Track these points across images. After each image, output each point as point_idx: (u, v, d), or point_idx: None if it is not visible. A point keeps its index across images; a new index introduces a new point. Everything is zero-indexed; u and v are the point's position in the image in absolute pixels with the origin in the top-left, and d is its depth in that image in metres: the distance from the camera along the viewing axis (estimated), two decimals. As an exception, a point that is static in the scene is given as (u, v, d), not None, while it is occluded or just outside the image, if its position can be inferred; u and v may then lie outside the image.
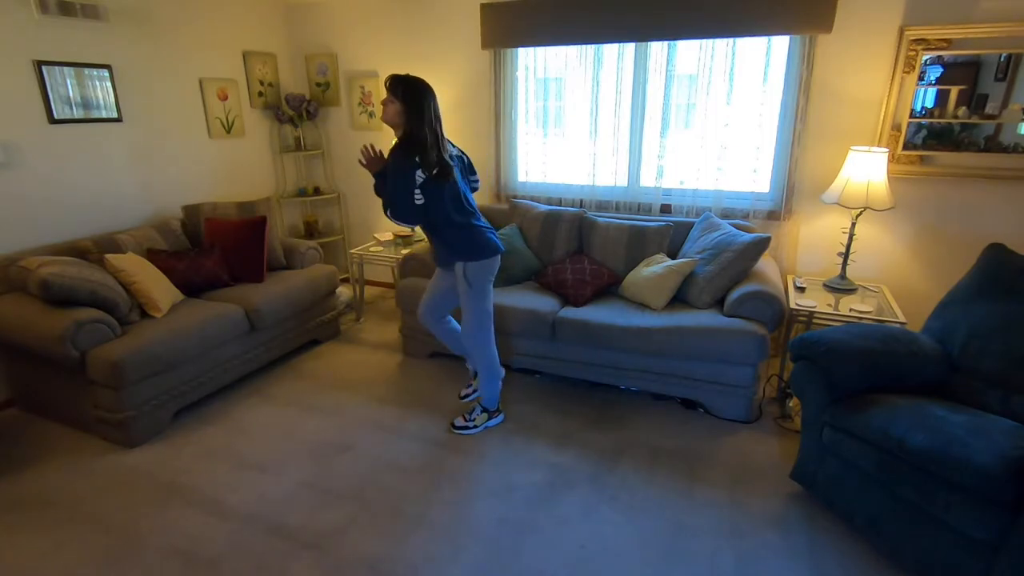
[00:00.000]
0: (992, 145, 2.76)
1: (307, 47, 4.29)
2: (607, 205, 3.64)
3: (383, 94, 2.33)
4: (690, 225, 3.24)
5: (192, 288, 3.11)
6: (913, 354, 2.09)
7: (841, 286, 2.98)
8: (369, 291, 4.53)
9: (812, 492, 2.19)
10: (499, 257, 2.55)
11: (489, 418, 2.73)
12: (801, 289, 3.03)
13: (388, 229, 4.15)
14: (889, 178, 2.78)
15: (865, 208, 2.74)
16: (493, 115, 3.78)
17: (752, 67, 3.14)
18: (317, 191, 4.49)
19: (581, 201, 3.70)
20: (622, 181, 3.62)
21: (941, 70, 2.77)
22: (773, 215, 3.25)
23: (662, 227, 3.20)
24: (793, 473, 2.25)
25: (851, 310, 2.72)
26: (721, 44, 3.13)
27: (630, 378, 2.89)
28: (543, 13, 3.40)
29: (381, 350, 3.57)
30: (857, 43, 2.88)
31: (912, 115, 2.86)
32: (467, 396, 2.76)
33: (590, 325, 2.81)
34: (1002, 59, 2.65)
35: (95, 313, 2.54)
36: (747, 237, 2.84)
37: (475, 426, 2.69)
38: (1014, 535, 1.55)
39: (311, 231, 4.50)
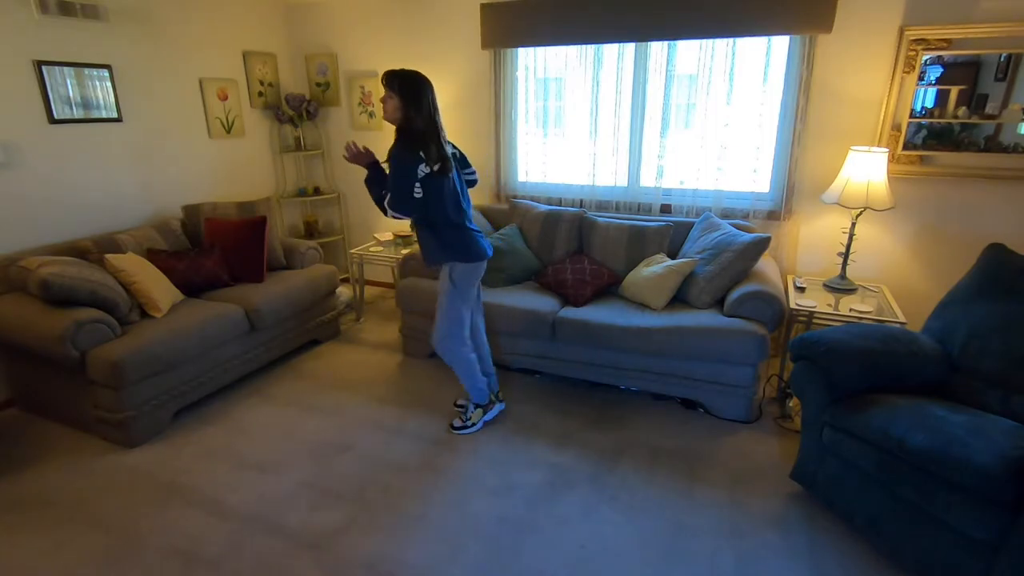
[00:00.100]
0: (992, 145, 2.76)
1: (307, 47, 4.29)
2: (607, 205, 3.64)
3: (383, 93, 2.32)
4: (690, 225, 3.24)
5: (192, 288, 3.11)
6: (913, 354, 2.09)
7: (841, 286, 2.98)
8: (369, 291, 4.53)
9: (812, 492, 2.19)
10: (486, 263, 2.56)
11: (484, 412, 2.72)
12: (801, 289, 3.03)
13: (388, 229, 4.15)
14: (889, 178, 2.78)
15: (865, 208, 2.74)
16: (493, 115, 3.78)
17: (752, 67, 3.14)
18: (317, 191, 4.49)
19: (581, 201, 3.70)
20: (622, 181, 3.62)
21: (941, 70, 2.77)
22: (773, 215, 3.25)
23: (662, 227, 3.20)
24: (793, 473, 2.25)
25: (851, 310, 2.72)
26: (721, 44, 3.13)
27: (630, 378, 2.89)
28: (543, 13, 3.40)
29: (381, 350, 3.57)
30: (857, 43, 2.88)
31: (912, 115, 2.86)
32: (463, 404, 2.79)
33: (590, 325, 2.81)
34: (1002, 59, 2.65)
35: (95, 313, 2.54)
36: (747, 237, 2.84)
37: (473, 423, 2.68)
38: (1014, 535, 1.55)
39: (311, 231, 4.50)
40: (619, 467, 2.44)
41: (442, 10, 3.76)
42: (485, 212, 3.75)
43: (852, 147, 2.83)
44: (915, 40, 2.75)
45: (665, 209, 3.50)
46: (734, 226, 3.08)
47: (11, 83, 2.78)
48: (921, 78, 2.80)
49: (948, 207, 2.93)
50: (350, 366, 3.37)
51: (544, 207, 3.51)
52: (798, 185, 3.18)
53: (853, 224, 2.90)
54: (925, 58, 2.76)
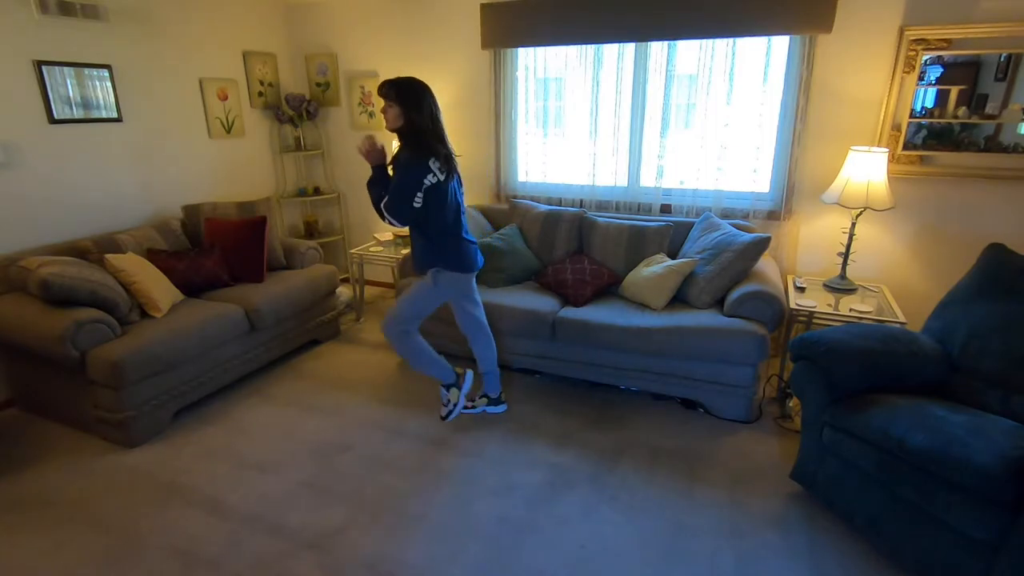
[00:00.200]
0: (992, 145, 2.76)
1: (307, 47, 4.29)
2: (607, 205, 3.64)
3: (382, 101, 2.32)
4: (690, 225, 3.24)
5: (192, 288, 3.11)
6: (913, 354, 2.09)
7: (841, 286, 2.98)
8: (369, 291, 4.53)
9: (812, 492, 2.19)
10: (474, 275, 2.59)
11: (459, 387, 2.71)
12: (801, 289, 3.03)
13: (388, 229, 4.15)
14: (889, 178, 2.78)
15: (865, 208, 2.74)
16: (493, 115, 3.78)
17: (752, 67, 3.14)
18: (317, 191, 4.49)
19: (581, 201, 3.70)
20: (622, 181, 3.62)
21: (941, 70, 2.77)
22: (773, 215, 3.25)
23: (662, 227, 3.20)
24: (793, 473, 2.25)
25: (851, 310, 2.72)
26: (721, 44, 3.13)
27: (630, 378, 2.89)
28: (543, 13, 3.40)
29: (381, 350, 3.57)
30: (857, 43, 2.88)
31: (912, 115, 2.86)
32: (470, 408, 2.80)
33: (590, 325, 2.81)
34: (1002, 59, 2.65)
35: (95, 313, 2.54)
36: (747, 237, 2.84)
37: (454, 403, 2.69)
38: (1014, 535, 1.55)
39: (311, 231, 4.50)
40: (619, 467, 2.44)
41: (442, 10, 3.76)
42: (485, 212, 3.75)
43: (852, 147, 2.83)
44: (915, 40, 2.75)
45: (665, 209, 3.50)
46: (734, 226, 3.08)
47: (11, 83, 2.78)
48: (921, 78, 2.80)
49: (948, 207, 2.93)
50: (350, 366, 3.37)
51: (544, 207, 3.51)
52: (798, 185, 3.18)
53: (853, 224, 2.90)
54: (925, 58, 2.76)
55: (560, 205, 3.66)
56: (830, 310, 2.77)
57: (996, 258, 2.22)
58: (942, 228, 2.97)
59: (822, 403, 2.08)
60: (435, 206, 2.34)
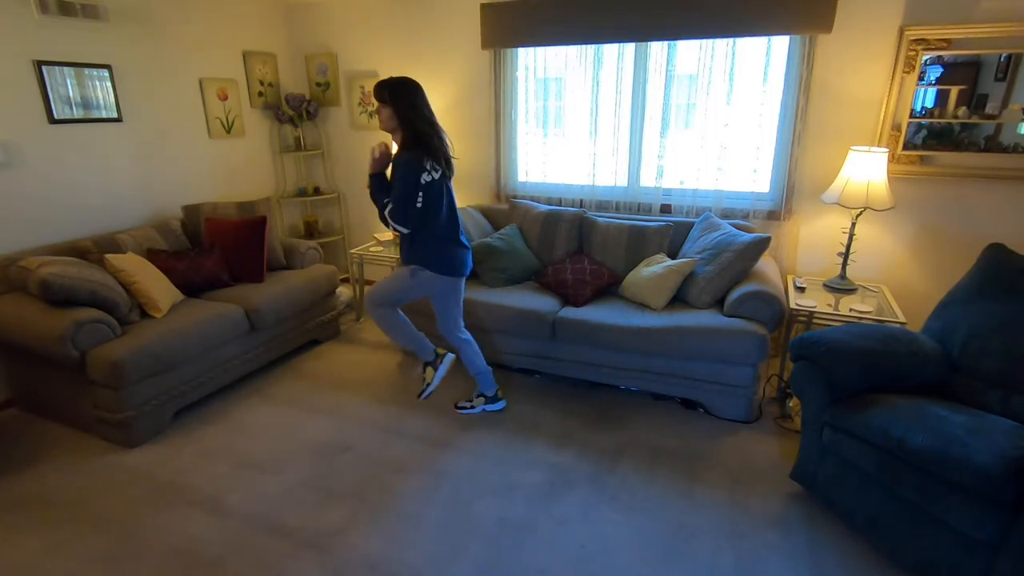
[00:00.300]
0: (992, 145, 2.76)
1: (307, 47, 4.29)
2: (607, 205, 3.64)
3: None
4: (690, 225, 3.24)
5: (192, 288, 3.11)
6: (913, 354, 2.09)
7: (841, 286, 2.98)
8: (369, 291, 4.52)
9: (812, 492, 2.19)
10: (462, 282, 2.59)
11: (435, 368, 2.74)
12: (801, 289, 3.03)
13: (388, 229, 4.14)
14: (889, 178, 2.78)
15: (865, 208, 2.74)
16: (493, 115, 3.78)
17: (752, 67, 3.14)
18: (317, 191, 4.49)
19: (581, 201, 3.70)
20: (622, 181, 3.62)
21: (941, 70, 2.77)
22: (773, 215, 3.25)
23: (662, 227, 3.20)
24: (793, 473, 2.25)
25: (851, 310, 2.72)
26: (721, 44, 3.13)
27: (630, 378, 2.89)
28: (543, 13, 3.40)
29: (381, 350, 3.57)
30: (857, 43, 2.88)
31: (912, 115, 2.86)
32: (469, 409, 2.82)
33: (590, 325, 2.81)
34: (1002, 59, 2.65)
35: (95, 313, 2.54)
36: (747, 237, 2.84)
37: (428, 383, 2.73)
38: (1014, 535, 1.55)
39: (311, 231, 4.50)
40: (619, 467, 2.44)
41: (442, 10, 3.76)
42: (485, 212, 3.75)
43: (852, 147, 2.83)
44: (915, 40, 2.75)
45: (665, 209, 3.50)
46: (734, 226, 3.08)
47: (11, 83, 2.78)
48: (921, 78, 2.80)
49: (948, 207, 2.93)
50: (350, 366, 3.37)
51: (544, 207, 3.51)
52: (798, 185, 3.18)
53: (853, 224, 2.90)
54: (925, 58, 2.76)
55: (560, 205, 3.66)
56: (830, 310, 2.77)
57: (996, 258, 2.22)
58: (942, 228, 2.97)
59: (822, 403, 2.08)
60: (434, 205, 2.34)
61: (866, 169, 2.73)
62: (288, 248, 3.65)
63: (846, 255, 2.98)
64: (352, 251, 3.94)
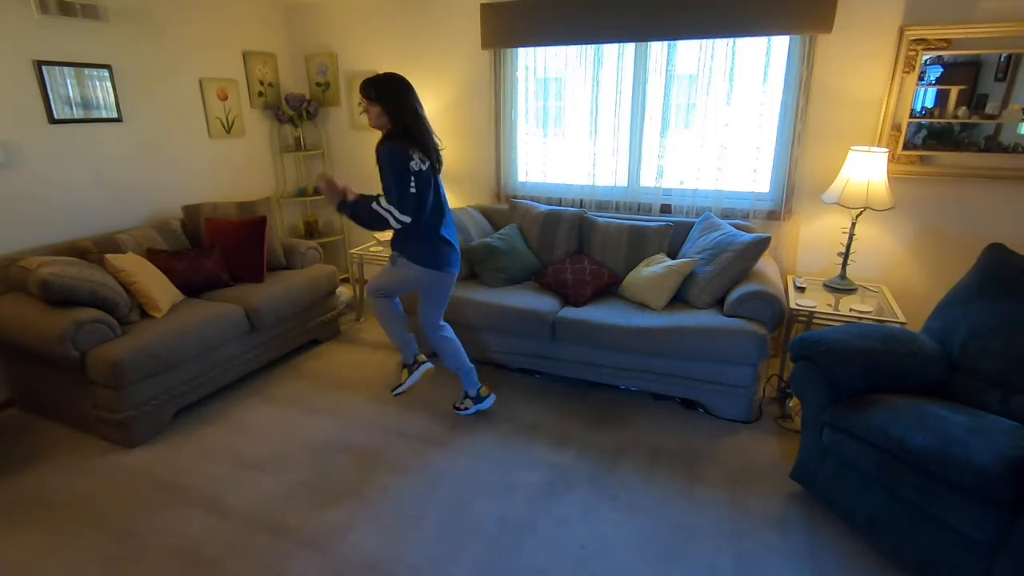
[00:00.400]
0: (992, 145, 2.76)
1: (307, 47, 4.29)
2: (607, 205, 3.64)
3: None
4: (690, 225, 3.24)
5: (192, 288, 3.11)
6: (913, 354, 2.09)
7: (841, 286, 2.98)
8: (369, 291, 4.52)
9: (812, 492, 2.19)
10: (450, 276, 2.55)
11: (411, 372, 2.75)
12: (801, 289, 3.03)
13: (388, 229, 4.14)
14: (889, 178, 2.78)
15: (865, 208, 2.74)
16: (493, 115, 3.78)
17: (752, 67, 3.14)
18: (317, 191, 4.48)
19: (581, 201, 3.70)
20: (622, 181, 3.62)
21: (941, 70, 2.77)
22: (773, 215, 3.25)
23: (662, 227, 3.20)
24: (793, 473, 2.25)
25: (851, 310, 2.72)
26: (721, 44, 3.13)
27: (630, 378, 2.89)
28: (543, 13, 3.40)
29: (381, 350, 3.57)
30: (857, 43, 2.88)
31: (912, 115, 2.86)
32: (463, 411, 2.81)
33: (590, 325, 2.81)
34: (1002, 59, 2.65)
35: (95, 313, 2.54)
36: (747, 237, 2.84)
37: (401, 383, 2.75)
38: (1014, 535, 1.55)
39: (311, 231, 4.50)
40: (619, 467, 2.44)
41: (442, 10, 3.76)
42: (485, 212, 3.75)
43: (852, 147, 2.83)
44: (915, 40, 2.75)
45: (665, 209, 3.50)
46: (734, 226, 3.08)
47: (11, 83, 2.78)
48: (921, 78, 2.80)
49: (948, 207, 2.93)
50: (350, 366, 3.37)
51: (544, 207, 3.51)
52: (798, 185, 3.18)
53: (853, 224, 2.90)
54: (925, 58, 2.76)
55: (560, 205, 3.66)
56: (830, 310, 2.77)
57: (996, 258, 2.22)
58: (942, 228, 2.97)
59: (822, 403, 2.08)
60: (423, 196, 2.32)
61: (866, 169, 2.73)
62: (288, 248, 3.65)
63: (846, 255, 2.98)
64: (352, 251, 3.95)
